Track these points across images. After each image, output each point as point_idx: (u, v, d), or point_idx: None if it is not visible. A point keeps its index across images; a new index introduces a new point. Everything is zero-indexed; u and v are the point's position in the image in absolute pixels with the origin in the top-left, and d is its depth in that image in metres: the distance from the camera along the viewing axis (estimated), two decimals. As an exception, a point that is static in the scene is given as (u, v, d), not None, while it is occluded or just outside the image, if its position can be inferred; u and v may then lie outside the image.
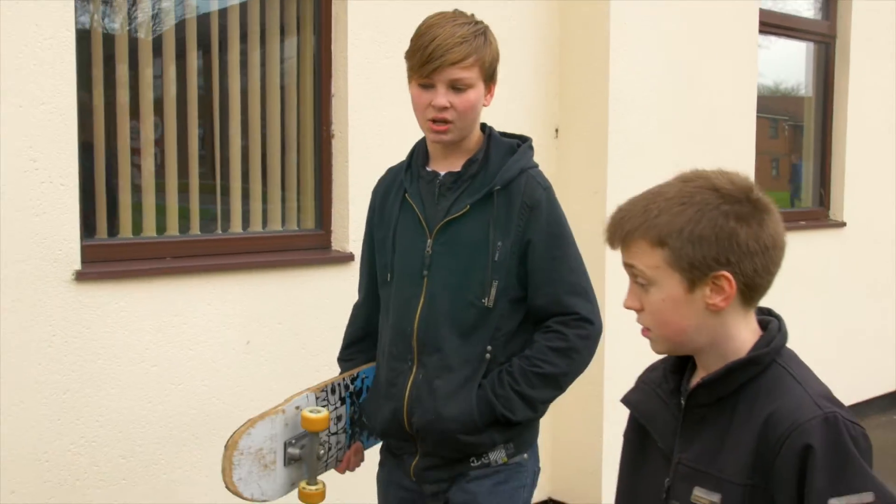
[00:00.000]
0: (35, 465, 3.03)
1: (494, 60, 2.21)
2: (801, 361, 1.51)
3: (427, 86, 2.15)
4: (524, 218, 2.17)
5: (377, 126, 3.77)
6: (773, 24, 5.53)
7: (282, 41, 3.76)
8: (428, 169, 2.27)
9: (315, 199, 3.81)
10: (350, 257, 3.72)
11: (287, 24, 3.77)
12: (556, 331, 2.20)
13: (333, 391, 2.36)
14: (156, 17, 3.52)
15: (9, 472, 2.97)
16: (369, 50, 3.76)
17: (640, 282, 1.50)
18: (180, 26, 3.52)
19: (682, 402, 1.55)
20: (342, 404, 2.38)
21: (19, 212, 2.93)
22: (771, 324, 1.53)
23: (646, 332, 1.54)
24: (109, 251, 3.22)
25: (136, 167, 3.42)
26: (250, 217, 3.72)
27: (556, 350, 2.19)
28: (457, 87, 2.14)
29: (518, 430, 2.24)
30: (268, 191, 3.77)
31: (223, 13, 3.60)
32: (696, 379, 1.56)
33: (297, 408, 2.27)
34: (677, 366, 1.61)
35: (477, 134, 2.26)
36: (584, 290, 2.23)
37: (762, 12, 5.23)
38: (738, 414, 1.46)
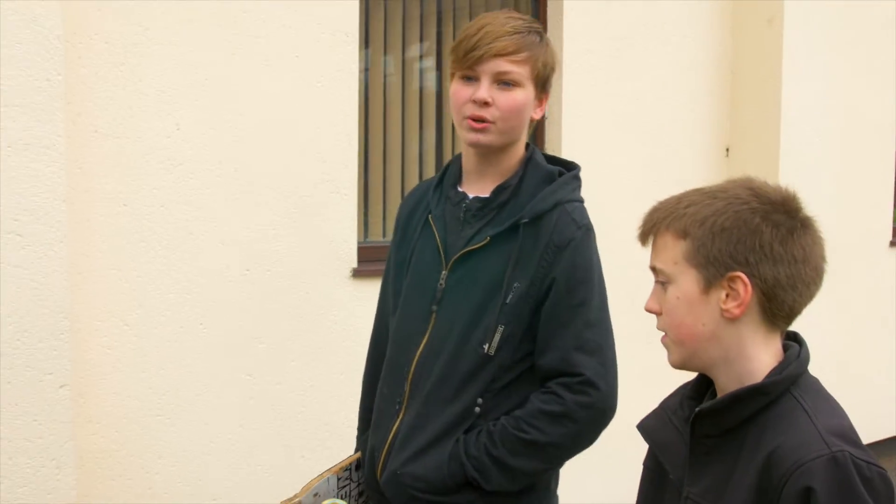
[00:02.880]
0: (333, 437, 3.53)
1: (549, 66, 1.93)
2: (820, 392, 1.39)
3: (469, 78, 1.89)
4: (548, 259, 1.88)
5: (593, 144, 4.24)
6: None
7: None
8: (458, 189, 2.01)
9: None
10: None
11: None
12: (554, 393, 1.88)
13: (358, 467, 2.13)
14: (410, 53, 4.03)
15: (316, 444, 3.48)
16: (590, 76, 4.23)
17: (660, 280, 1.42)
18: (428, 43, 4.04)
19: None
20: None
21: (311, 217, 3.44)
22: (790, 349, 1.40)
23: (663, 338, 1.45)
24: (381, 251, 3.73)
25: (405, 176, 3.96)
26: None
27: (549, 415, 1.87)
28: (503, 81, 1.87)
29: (506, 502, 1.93)
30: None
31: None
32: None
33: (317, 495, 2.03)
34: (696, 391, 1.50)
35: (518, 153, 1.97)
36: (597, 348, 1.90)
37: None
38: (745, 448, 1.35)
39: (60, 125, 2.67)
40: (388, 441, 1.98)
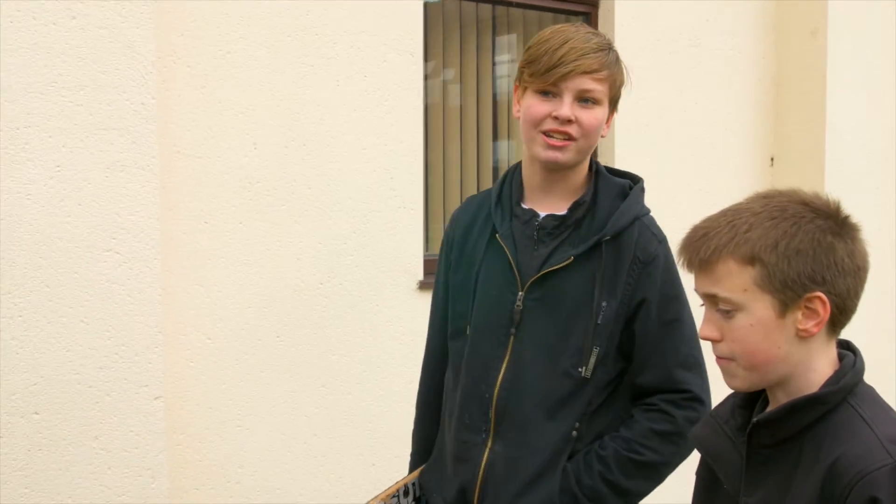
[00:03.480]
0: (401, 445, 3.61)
1: (622, 84, 1.92)
2: (878, 400, 1.37)
3: (549, 94, 1.85)
4: (635, 275, 1.87)
5: (643, 158, 4.33)
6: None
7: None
8: (524, 206, 1.96)
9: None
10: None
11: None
12: (662, 410, 1.88)
13: (406, 493, 2.10)
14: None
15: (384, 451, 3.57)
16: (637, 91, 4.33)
17: (723, 308, 1.36)
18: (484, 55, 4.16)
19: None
20: None
21: (380, 231, 3.54)
22: (846, 358, 1.39)
23: (725, 362, 1.39)
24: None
25: (463, 188, 4.07)
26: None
27: (662, 435, 1.86)
28: (585, 99, 1.84)
29: None
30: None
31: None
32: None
33: None
34: (747, 400, 1.46)
35: (585, 169, 1.94)
36: (697, 364, 1.91)
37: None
38: (804, 458, 1.33)
39: (154, 147, 2.78)
40: (481, 474, 1.91)
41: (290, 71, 3.30)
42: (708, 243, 1.35)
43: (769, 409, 1.40)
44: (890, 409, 1.36)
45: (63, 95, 2.60)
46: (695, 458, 1.56)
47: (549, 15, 4.35)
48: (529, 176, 1.95)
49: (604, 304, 1.85)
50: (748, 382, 1.39)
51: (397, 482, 2.11)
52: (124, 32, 2.70)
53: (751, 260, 1.32)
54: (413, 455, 2.20)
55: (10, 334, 2.55)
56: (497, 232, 1.95)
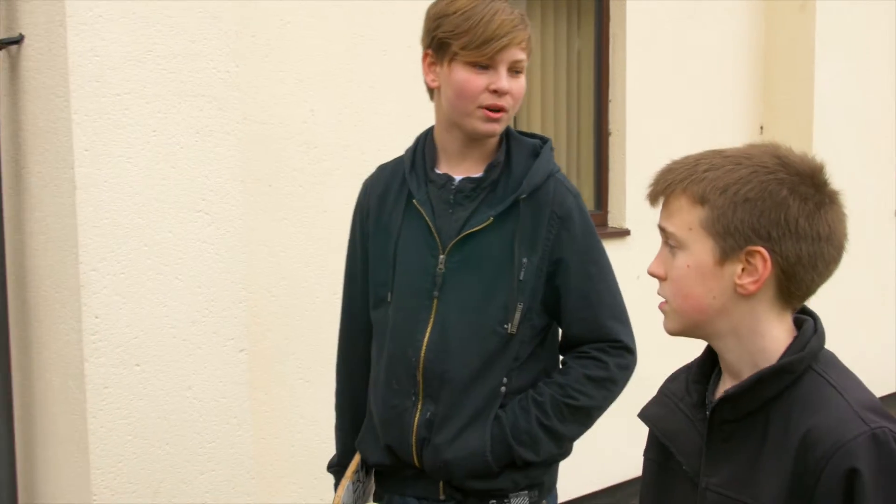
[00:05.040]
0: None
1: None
2: (841, 366, 1.32)
3: (483, 66, 1.86)
4: (554, 230, 1.91)
5: (651, 124, 4.59)
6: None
7: (568, 56, 4.60)
8: (438, 171, 1.98)
9: (595, 184, 4.63)
10: (626, 232, 4.53)
11: (570, 41, 4.60)
12: (594, 357, 1.94)
13: (362, 466, 2.13)
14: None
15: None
16: (644, 61, 4.58)
17: (670, 243, 1.33)
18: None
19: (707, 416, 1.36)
20: (369, 478, 2.15)
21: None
22: (805, 324, 1.33)
23: (663, 304, 1.37)
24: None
25: None
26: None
27: (595, 380, 1.93)
28: (516, 70, 1.89)
29: (540, 473, 1.98)
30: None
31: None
32: (721, 389, 1.37)
33: None
34: (701, 375, 1.42)
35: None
36: (623, 313, 1.98)
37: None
38: (771, 432, 1.27)
39: (237, 112, 2.93)
40: (414, 435, 1.94)
41: (341, 41, 3.47)
42: (667, 177, 1.33)
43: (727, 379, 1.36)
44: (853, 373, 1.31)
45: (158, 63, 2.73)
46: (643, 439, 1.50)
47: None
48: (447, 142, 1.97)
49: (524, 260, 1.89)
50: (680, 327, 1.35)
51: (354, 460, 2.12)
52: (211, 5, 2.84)
53: (701, 199, 1.29)
54: (341, 428, 2.21)
55: (115, 290, 2.69)
56: (414, 198, 1.96)
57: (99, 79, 2.63)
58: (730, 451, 1.31)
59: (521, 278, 1.89)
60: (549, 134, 4.52)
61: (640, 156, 4.54)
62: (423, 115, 3.80)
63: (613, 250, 4.47)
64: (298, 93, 3.36)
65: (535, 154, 1.96)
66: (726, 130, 5.06)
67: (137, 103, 2.71)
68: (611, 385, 1.95)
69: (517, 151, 1.96)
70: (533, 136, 2.02)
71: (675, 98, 4.78)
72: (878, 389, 5.47)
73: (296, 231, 3.40)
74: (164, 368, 2.81)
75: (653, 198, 1.36)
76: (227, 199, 2.91)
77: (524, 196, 1.90)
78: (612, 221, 4.62)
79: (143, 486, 2.79)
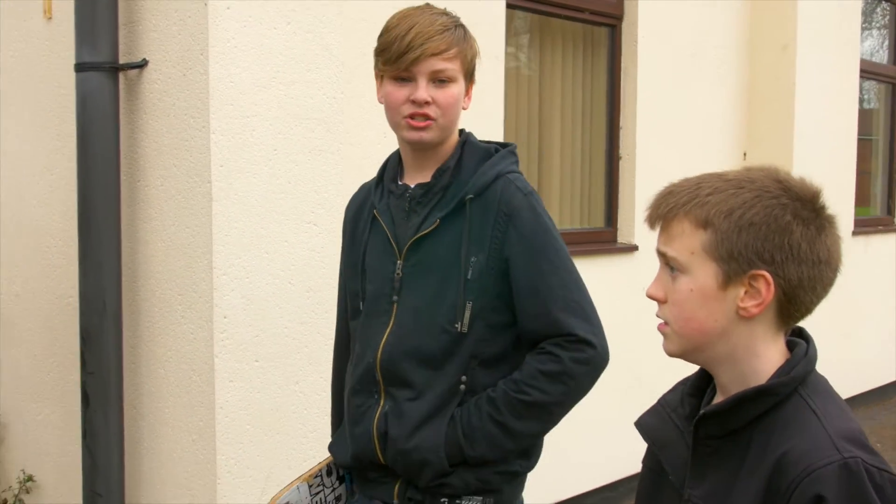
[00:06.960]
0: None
1: (474, 57, 2.00)
2: (829, 392, 1.32)
3: (404, 79, 1.93)
4: (501, 228, 1.93)
5: (657, 148, 5.05)
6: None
7: (583, 87, 5.03)
8: (399, 183, 2.06)
9: (606, 204, 5.07)
10: (634, 248, 4.97)
11: (585, 74, 5.03)
12: (548, 352, 1.93)
13: (329, 472, 2.17)
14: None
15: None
16: (651, 93, 5.04)
17: (671, 266, 1.33)
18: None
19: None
20: (340, 483, 2.19)
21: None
22: (798, 347, 1.34)
23: (663, 326, 1.37)
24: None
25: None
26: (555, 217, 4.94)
27: (548, 375, 1.91)
28: (439, 79, 1.92)
29: (497, 479, 1.98)
30: (566, 195, 5.01)
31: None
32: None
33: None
34: (696, 388, 1.44)
35: (453, 142, 2.02)
36: (580, 308, 1.95)
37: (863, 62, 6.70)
38: (752, 451, 1.29)
39: (343, 135, 3.25)
40: (375, 429, 2.00)
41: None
42: (668, 200, 1.34)
43: (719, 397, 1.37)
44: (841, 400, 1.32)
45: (279, 89, 3.04)
46: (643, 446, 1.53)
47: (579, 25, 5.01)
48: (403, 154, 2.07)
49: (472, 259, 1.92)
50: (681, 350, 1.36)
51: (319, 462, 2.20)
52: (324, 36, 3.16)
53: (704, 223, 1.29)
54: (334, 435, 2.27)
55: (241, 293, 2.98)
56: (376, 209, 2.06)
57: (233, 102, 2.94)
58: (713, 466, 1.33)
59: (468, 277, 1.92)
60: (565, 157, 4.94)
61: (648, 178, 4.99)
62: (490, 135, 4.14)
63: (622, 265, 4.94)
64: (372, 117, 3.67)
65: (489, 156, 2.01)
66: (713, 155, 5.57)
67: (262, 125, 3.01)
68: (567, 379, 1.92)
69: (469, 156, 2.01)
70: (500, 144, 2.08)
71: (676, 126, 5.26)
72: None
73: (368, 242, 3.72)
74: (277, 364, 3.10)
75: (652, 221, 1.36)
76: (332, 213, 3.22)
77: (470, 196, 1.94)
78: (622, 238, 5.05)
79: (258, 470, 3.07)
